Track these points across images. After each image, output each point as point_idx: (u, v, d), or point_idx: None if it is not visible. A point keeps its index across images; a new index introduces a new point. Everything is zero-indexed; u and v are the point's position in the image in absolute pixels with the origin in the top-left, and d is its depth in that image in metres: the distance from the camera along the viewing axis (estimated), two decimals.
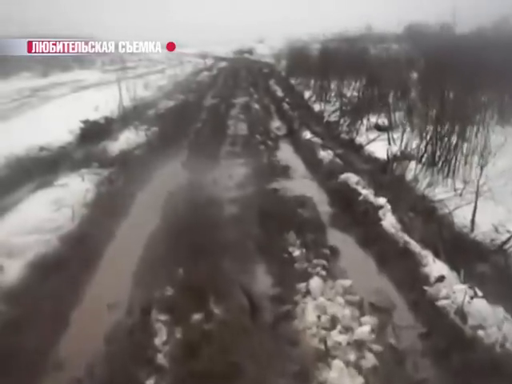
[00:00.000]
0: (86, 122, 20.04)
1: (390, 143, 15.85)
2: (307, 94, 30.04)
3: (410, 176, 11.93)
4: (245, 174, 13.56)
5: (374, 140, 16.07)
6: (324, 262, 7.86)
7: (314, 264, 7.78)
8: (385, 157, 13.64)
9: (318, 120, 22.36)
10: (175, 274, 7.31)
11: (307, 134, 18.00)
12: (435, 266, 7.19)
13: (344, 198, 10.89)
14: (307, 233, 8.91)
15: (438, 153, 12.40)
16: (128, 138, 17.93)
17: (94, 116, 21.35)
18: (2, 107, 25.25)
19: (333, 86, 28.07)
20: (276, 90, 34.08)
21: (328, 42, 41.69)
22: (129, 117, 22.48)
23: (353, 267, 7.88)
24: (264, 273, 7.78)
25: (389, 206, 9.65)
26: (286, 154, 16.38)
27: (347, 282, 7.06)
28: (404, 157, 13.04)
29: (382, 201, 9.94)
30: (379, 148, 15.18)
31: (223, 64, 66.22)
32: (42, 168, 13.89)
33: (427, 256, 7.53)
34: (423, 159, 12.77)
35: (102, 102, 23.62)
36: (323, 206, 10.96)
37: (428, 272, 7.17)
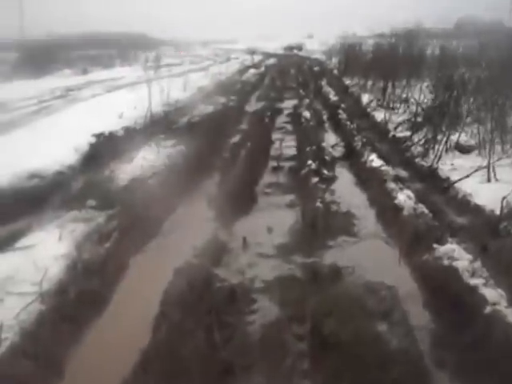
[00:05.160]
0: (98, 135, 16.54)
1: (489, 179, 11.46)
2: (365, 99, 25.75)
3: None
4: (290, 228, 9.81)
5: (468, 175, 11.57)
6: None
7: None
8: (490, 204, 9.42)
9: (381, 135, 18.08)
10: None
11: (373, 159, 13.71)
12: None
13: (453, 300, 6.52)
14: None
15: None
16: (145, 160, 14.48)
17: (114, 126, 18.11)
18: (17, 112, 22.09)
19: (397, 89, 23.74)
20: (329, 93, 29.85)
21: (379, 38, 37.86)
22: (154, 127, 19.09)
23: None
24: None
25: None
26: (345, 189, 12.17)
27: None
28: None
29: None
30: (476, 187, 10.87)
31: (271, 61, 62.89)
32: (18, 209, 10.40)
33: None
34: None
35: (130, 107, 20.56)
36: (416, 312, 6.63)
37: None
